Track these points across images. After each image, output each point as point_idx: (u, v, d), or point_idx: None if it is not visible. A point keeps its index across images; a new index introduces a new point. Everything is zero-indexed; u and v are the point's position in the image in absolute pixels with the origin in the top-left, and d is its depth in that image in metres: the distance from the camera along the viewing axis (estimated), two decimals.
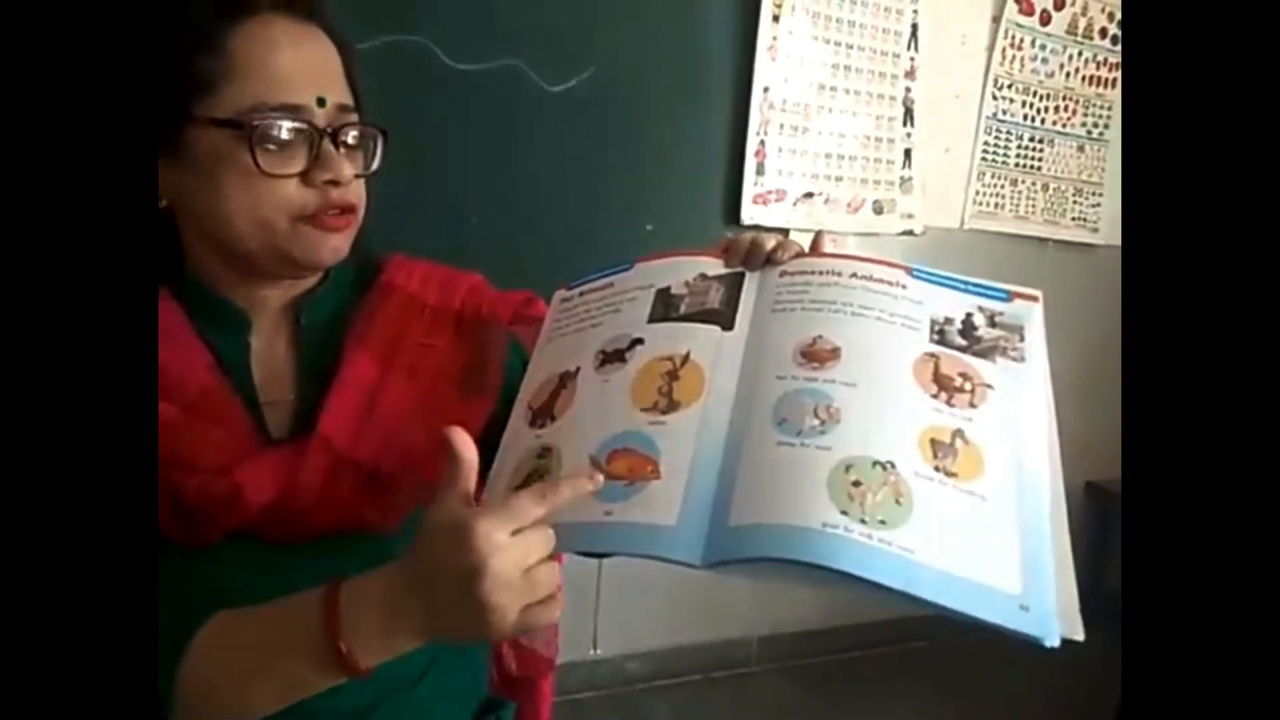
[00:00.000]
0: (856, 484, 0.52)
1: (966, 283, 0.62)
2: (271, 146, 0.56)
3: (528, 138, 1.65)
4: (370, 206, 0.65)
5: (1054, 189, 2.24)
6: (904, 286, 0.62)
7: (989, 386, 0.56)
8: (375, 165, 0.64)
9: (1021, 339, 0.58)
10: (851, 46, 1.90)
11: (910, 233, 2.05)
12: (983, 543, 0.50)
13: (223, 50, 0.55)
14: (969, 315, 0.60)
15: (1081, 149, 2.26)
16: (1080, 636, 0.48)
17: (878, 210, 2.00)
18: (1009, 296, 0.61)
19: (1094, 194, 2.29)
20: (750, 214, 1.84)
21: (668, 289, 0.68)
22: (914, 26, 1.96)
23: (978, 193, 2.15)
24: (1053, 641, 0.47)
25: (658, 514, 0.55)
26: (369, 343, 0.64)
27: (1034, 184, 2.22)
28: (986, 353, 0.58)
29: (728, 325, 0.64)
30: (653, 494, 0.56)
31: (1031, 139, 2.19)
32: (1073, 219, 2.28)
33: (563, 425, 0.60)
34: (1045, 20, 2.12)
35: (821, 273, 0.65)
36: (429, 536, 0.50)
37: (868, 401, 0.56)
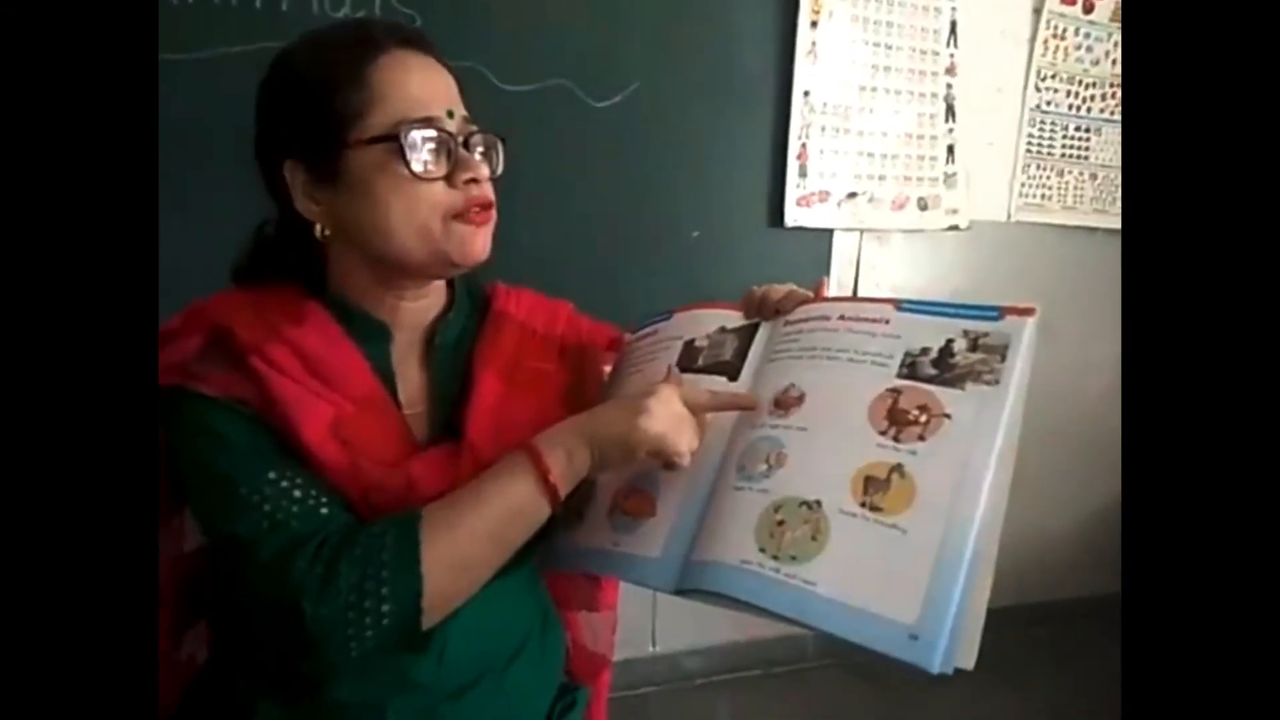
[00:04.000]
0: (780, 523, 0.58)
1: (956, 307, 0.64)
2: (418, 154, 0.64)
3: (575, 154, 1.70)
4: None
5: (1102, 178, 2.22)
6: (886, 322, 0.66)
7: (946, 416, 0.58)
8: (499, 168, 0.72)
9: (1002, 359, 0.59)
10: (890, 46, 1.91)
11: (956, 228, 2.06)
12: (888, 574, 0.53)
13: (365, 83, 0.64)
14: (949, 342, 0.62)
15: None
16: (970, 665, 0.51)
17: (922, 207, 2.01)
18: (999, 315, 0.61)
19: None
20: (794, 216, 1.87)
21: (693, 341, 0.76)
22: (953, 23, 1.96)
23: (1023, 185, 2.14)
24: (936, 669, 0.50)
25: (647, 547, 0.65)
26: (493, 365, 0.74)
27: (1081, 173, 2.20)
28: (957, 380, 0.60)
29: (734, 376, 0.71)
30: (647, 529, 0.66)
31: (1078, 128, 2.17)
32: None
33: None
34: (1088, 8, 2.10)
35: (812, 319, 0.71)
36: (618, 399, 0.69)
37: (812, 445, 0.62)
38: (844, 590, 0.54)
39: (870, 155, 1.94)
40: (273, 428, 0.62)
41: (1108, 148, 2.21)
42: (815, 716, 1.96)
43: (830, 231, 1.94)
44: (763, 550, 0.58)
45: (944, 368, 0.61)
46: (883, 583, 0.53)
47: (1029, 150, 2.13)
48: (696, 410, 0.67)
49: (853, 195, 1.93)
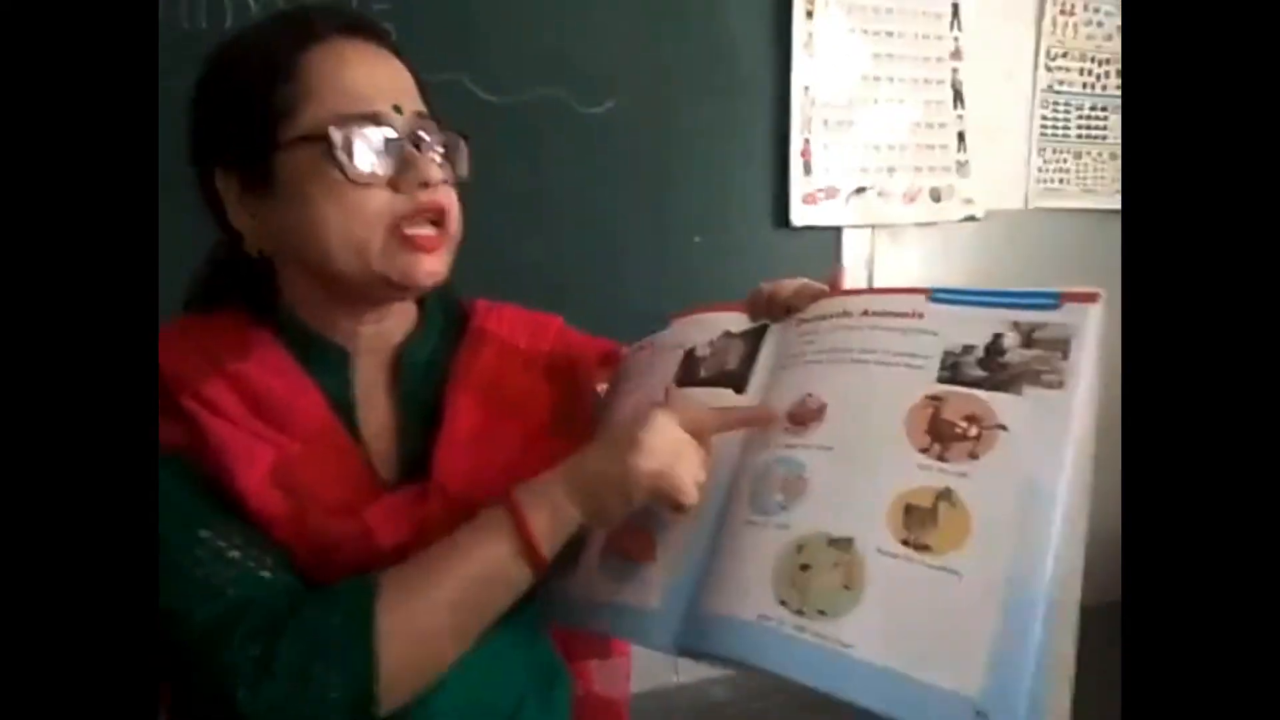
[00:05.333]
0: (804, 567, 0.48)
1: (1001, 295, 0.53)
2: (355, 155, 0.55)
3: (569, 164, 1.63)
4: None
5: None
6: (919, 316, 0.55)
7: (1001, 428, 0.48)
8: (464, 171, 0.63)
9: (1065, 356, 0.48)
10: (891, 33, 1.83)
11: (972, 218, 1.96)
12: (941, 630, 0.43)
13: (297, 75, 0.56)
14: (997, 337, 0.52)
15: None
16: None
17: (935, 198, 1.92)
18: (1057, 301, 0.51)
19: None
20: (800, 215, 1.78)
21: (693, 350, 0.66)
22: (955, 6, 1.88)
23: (1039, 170, 2.05)
24: None
25: (645, 598, 0.55)
26: (469, 388, 0.65)
27: (1099, 154, 2.10)
28: (1010, 382, 0.49)
29: (741, 387, 0.61)
30: (645, 576, 0.56)
31: (1093, 107, 2.08)
32: None
33: None
34: None
35: (831, 316, 0.60)
36: (608, 429, 0.60)
37: (839, 468, 0.51)
38: (887, 653, 0.43)
39: (877, 148, 1.85)
40: (208, 477, 0.54)
41: None
42: None
43: (839, 229, 1.85)
44: (784, 603, 0.47)
45: (993, 368, 0.51)
46: (936, 643, 0.43)
47: (1043, 133, 2.04)
48: (702, 434, 0.57)
49: (861, 190, 1.84)
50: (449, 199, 0.61)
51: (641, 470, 0.53)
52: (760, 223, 1.79)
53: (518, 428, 0.65)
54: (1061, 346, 0.49)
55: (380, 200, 0.56)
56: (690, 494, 0.54)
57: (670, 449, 0.54)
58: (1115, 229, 2.10)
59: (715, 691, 1.96)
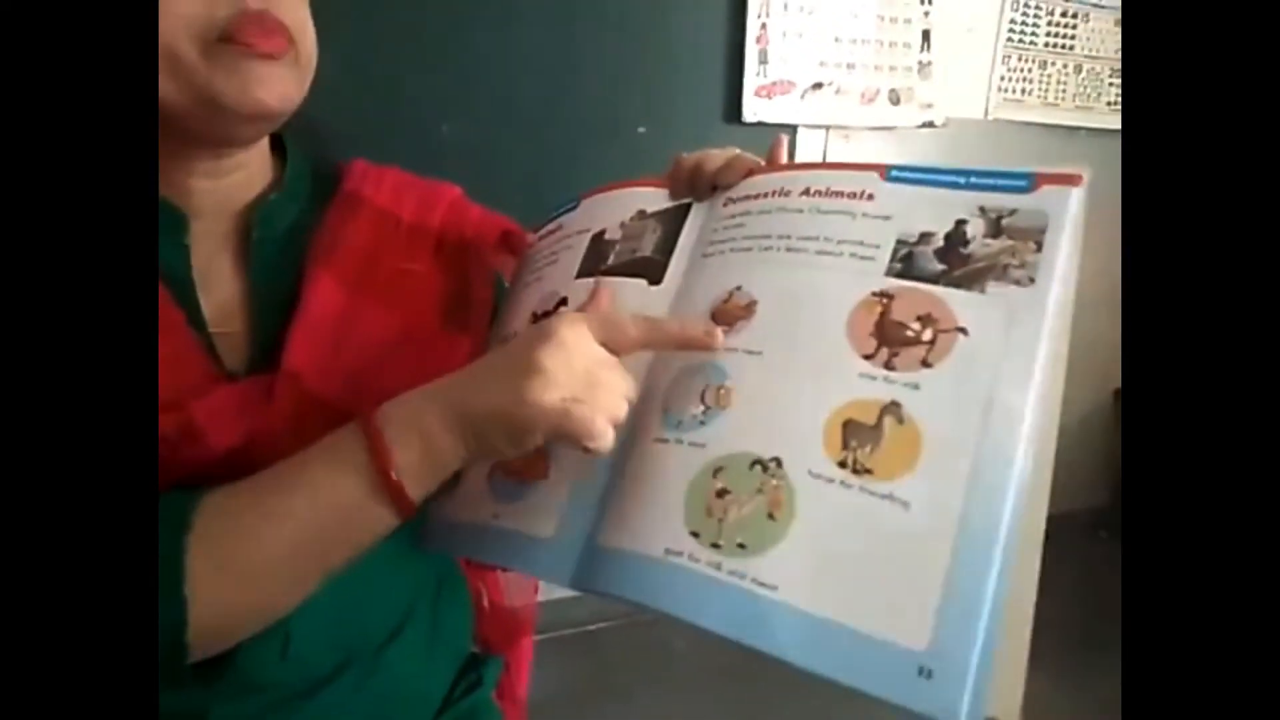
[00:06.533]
0: (722, 493, 0.41)
1: (968, 174, 0.46)
2: None
3: (504, 34, 1.48)
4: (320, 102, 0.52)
5: (1088, 70, 2.04)
6: (870, 197, 0.47)
7: (961, 331, 0.41)
8: None
9: (1038, 247, 0.42)
10: None
11: (930, 124, 1.87)
12: (883, 572, 0.37)
13: None
14: (960, 224, 0.44)
15: (1120, 23, 2.05)
16: (1015, 719, 0.34)
17: (894, 100, 1.82)
18: (1031, 184, 0.44)
19: None
20: (753, 110, 1.67)
21: (602, 233, 0.56)
22: None
23: (1002, 78, 1.96)
24: None
25: (538, 524, 0.47)
26: (334, 263, 0.54)
27: (1065, 65, 2.02)
28: (973, 278, 0.42)
29: (656, 278, 0.52)
30: (538, 498, 0.48)
31: (1064, 14, 1.98)
32: (1109, 104, 2.08)
33: None
34: None
35: (766, 194, 0.51)
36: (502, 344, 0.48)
37: (768, 376, 0.44)
38: (816, 597, 0.37)
39: (838, 40, 1.73)
40: None
41: (1095, 37, 2.02)
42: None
43: (794, 128, 1.75)
44: (695, 535, 0.40)
45: (954, 261, 0.43)
46: (875, 585, 0.36)
47: (1009, 39, 1.94)
48: (623, 351, 0.46)
49: (818, 86, 1.73)
50: (293, 12, 0.48)
51: (541, 405, 0.42)
52: (710, 116, 1.66)
53: (394, 315, 0.55)
54: (1035, 236, 0.42)
55: (192, 3, 0.44)
56: (603, 438, 0.43)
57: (580, 375, 0.43)
58: (1075, 147, 2.05)
59: None
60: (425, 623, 0.61)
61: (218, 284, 0.53)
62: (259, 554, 0.43)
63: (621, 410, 0.44)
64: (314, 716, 0.52)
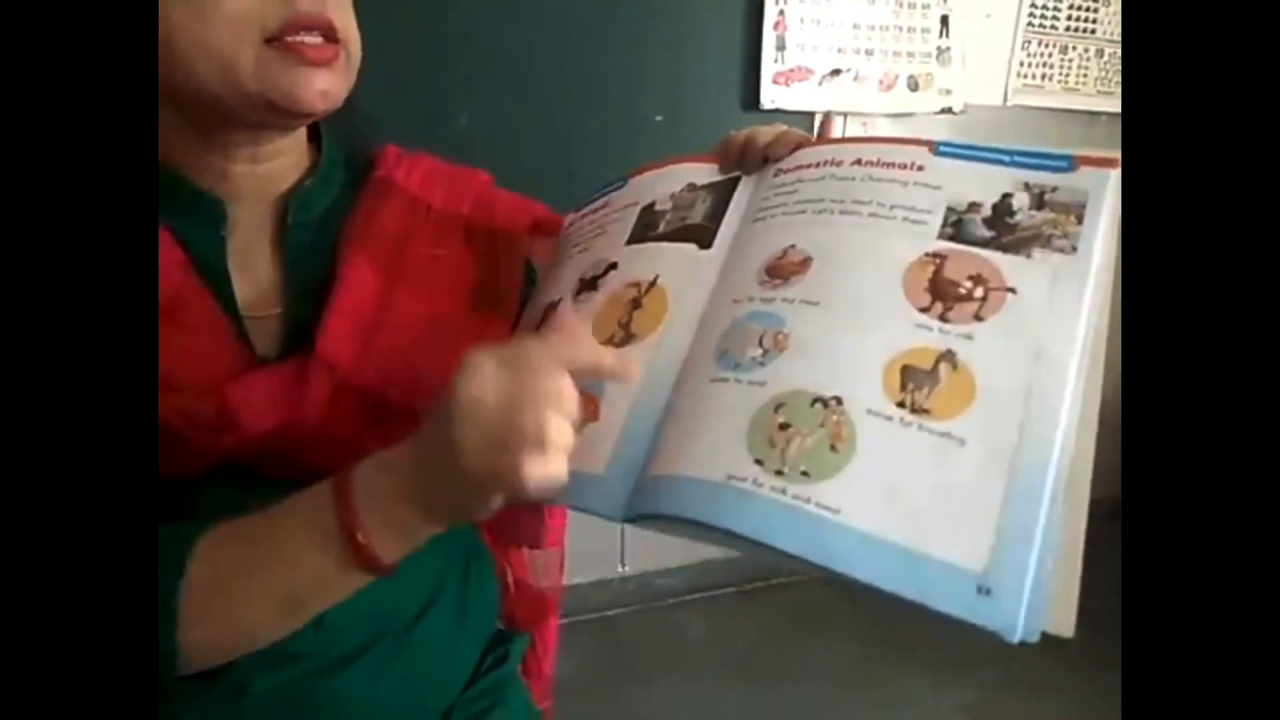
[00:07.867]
0: (784, 426, 0.42)
1: (1012, 153, 0.49)
2: None
3: (520, 24, 1.49)
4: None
5: (1109, 55, 2.02)
6: (920, 169, 0.50)
7: (1010, 291, 0.44)
8: None
9: (1079, 221, 0.45)
10: None
11: (949, 110, 1.87)
12: (942, 500, 0.39)
13: None
14: (1005, 197, 0.47)
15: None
16: (1069, 633, 0.36)
17: (913, 86, 1.81)
18: (1071, 165, 0.48)
19: None
20: (771, 96, 1.67)
21: (652, 204, 0.58)
22: None
23: (1022, 63, 1.94)
24: (1017, 637, 0.36)
25: (587, 461, 0.47)
26: (368, 248, 0.56)
27: (1086, 50, 2.00)
28: (1020, 245, 0.45)
29: (706, 243, 0.54)
30: (587, 439, 0.48)
31: None
32: None
33: None
34: None
35: (818, 164, 0.53)
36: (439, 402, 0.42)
37: (826, 323, 0.46)
38: (879, 520, 0.39)
39: (856, 26, 1.72)
40: None
41: (1116, 21, 2.00)
42: (794, 636, 1.89)
43: (811, 115, 1.75)
44: (759, 462, 0.41)
45: (1002, 229, 0.46)
46: (935, 512, 0.38)
47: (1030, 24, 1.92)
48: (542, 373, 0.41)
49: (836, 72, 1.73)
50: (341, 13, 0.50)
51: (472, 475, 0.39)
52: (728, 102, 1.67)
53: (425, 300, 0.56)
54: (1076, 211, 0.45)
55: (242, 5, 0.46)
56: (528, 481, 0.38)
57: (486, 432, 0.39)
58: (1097, 133, 2.03)
59: (659, 582, 1.98)
60: (454, 599, 0.62)
61: (253, 269, 0.54)
62: (245, 613, 0.45)
63: (551, 428, 0.39)
64: (347, 686, 0.54)
